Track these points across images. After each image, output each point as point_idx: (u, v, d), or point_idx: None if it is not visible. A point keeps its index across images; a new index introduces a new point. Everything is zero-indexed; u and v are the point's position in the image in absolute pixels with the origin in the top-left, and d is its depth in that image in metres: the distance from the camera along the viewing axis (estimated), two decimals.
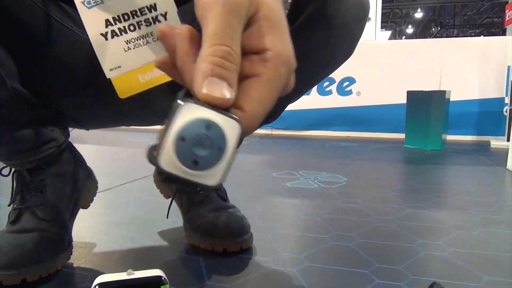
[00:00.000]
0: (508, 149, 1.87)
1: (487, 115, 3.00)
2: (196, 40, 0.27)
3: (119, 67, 0.53)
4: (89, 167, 0.88)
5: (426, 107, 2.57)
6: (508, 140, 2.06)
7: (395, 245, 0.85)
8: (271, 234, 0.91)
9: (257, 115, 0.26)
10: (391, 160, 2.18)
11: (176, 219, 0.93)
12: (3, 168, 0.74)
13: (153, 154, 0.24)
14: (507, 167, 1.84)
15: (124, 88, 0.54)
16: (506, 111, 2.85)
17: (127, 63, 0.53)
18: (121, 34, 0.52)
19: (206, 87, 0.24)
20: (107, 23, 0.52)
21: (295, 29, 0.55)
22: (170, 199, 0.89)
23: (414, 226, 0.98)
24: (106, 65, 0.53)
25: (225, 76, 0.24)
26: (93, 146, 2.36)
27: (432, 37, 15.95)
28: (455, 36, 15.59)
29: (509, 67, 2.84)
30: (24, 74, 0.58)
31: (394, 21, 18.32)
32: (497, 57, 2.97)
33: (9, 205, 0.73)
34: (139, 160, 1.99)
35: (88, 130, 0.80)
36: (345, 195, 1.29)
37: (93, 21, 0.51)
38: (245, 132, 0.25)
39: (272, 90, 0.26)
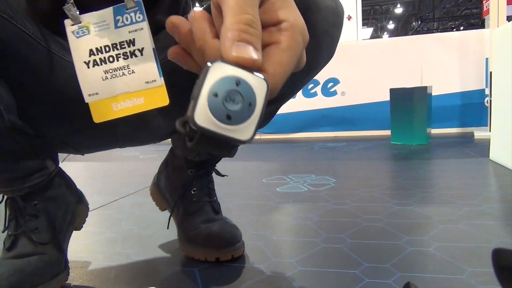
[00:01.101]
0: (490, 139, 1.92)
1: (469, 107, 3.07)
2: (210, 21, 0.29)
3: (97, 93, 0.57)
4: (79, 190, 0.89)
5: (409, 104, 2.63)
6: (490, 130, 2.12)
7: (383, 243, 0.88)
8: (263, 241, 0.93)
9: (279, 77, 0.28)
10: (378, 158, 2.22)
11: (170, 233, 0.95)
12: None
13: (182, 121, 0.25)
14: (490, 158, 1.89)
15: (99, 113, 0.58)
16: (487, 102, 2.91)
17: (103, 91, 0.57)
18: (101, 64, 0.56)
19: (235, 50, 0.26)
20: (91, 52, 0.56)
21: None
22: (164, 213, 0.92)
23: (401, 224, 1.01)
24: (86, 91, 0.57)
25: (251, 41, 0.26)
26: (84, 162, 2.36)
27: (413, 31, 16.17)
28: (435, 29, 15.83)
29: (487, 59, 2.91)
30: (21, 104, 0.60)
31: (375, 18, 18.54)
32: (475, 50, 3.05)
33: (3, 232, 0.75)
34: (129, 174, 2.01)
35: (83, 155, 0.83)
36: (334, 197, 1.32)
37: (79, 49, 0.56)
38: (270, 93, 0.27)
39: (291, 55, 0.28)
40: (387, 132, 2.91)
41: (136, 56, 0.55)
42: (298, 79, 0.68)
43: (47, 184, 0.78)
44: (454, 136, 3.03)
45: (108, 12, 0.55)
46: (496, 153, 1.83)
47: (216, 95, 0.24)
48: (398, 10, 16.83)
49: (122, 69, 0.56)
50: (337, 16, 0.62)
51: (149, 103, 0.56)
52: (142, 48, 0.55)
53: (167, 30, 0.31)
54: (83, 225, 0.88)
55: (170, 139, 0.90)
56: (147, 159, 2.47)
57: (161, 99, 0.56)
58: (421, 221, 1.03)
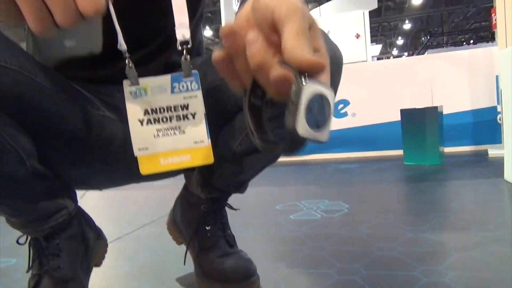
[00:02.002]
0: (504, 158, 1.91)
1: (481, 125, 3.05)
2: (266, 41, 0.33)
3: (147, 148, 0.63)
4: (98, 227, 0.92)
5: (420, 124, 2.63)
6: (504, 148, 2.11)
7: (398, 274, 0.89)
8: (278, 272, 0.94)
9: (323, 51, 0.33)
10: (392, 180, 2.22)
11: (187, 266, 0.96)
12: (19, 237, 0.78)
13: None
14: (505, 178, 1.87)
15: (147, 166, 0.63)
16: (499, 119, 2.90)
17: (154, 146, 0.63)
18: (155, 123, 0.63)
19: (313, 57, 0.30)
20: (146, 112, 0.63)
21: None
22: (180, 245, 0.93)
23: (415, 252, 1.01)
24: (136, 145, 0.63)
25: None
26: (98, 192, 2.41)
27: (423, 46, 16.17)
28: (445, 43, 15.82)
29: (497, 76, 2.91)
30: (40, 149, 0.64)
31: (383, 34, 18.63)
32: (484, 67, 3.05)
33: (27, 272, 0.78)
34: (144, 203, 2.04)
35: (101, 190, 0.86)
36: (348, 224, 1.33)
37: (134, 108, 0.62)
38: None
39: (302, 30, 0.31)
40: (400, 152, 2.90)
41: (188, 119, 0.62)
42: None
43: (68, 223, 0.81)
44: (468, 154, 3.01)
45: (166, 78, 0.62)
46: (510, 174, 1.82)
47: (310, 110, 0.30)
48: (407, 26, 16.91)
49: (174, 129, 0.62)
50: (336, 63, 0.62)
51: (194, 160, 0.63)
52: (195, 113, 0.62)
53: (222, 35, 0.34)
54: (102, 262, 0.90)
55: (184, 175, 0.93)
56: (162, 186, 2.51)
57: (206, 157, 0.62)
58: (436, 249, 1.03)
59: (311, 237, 1.22)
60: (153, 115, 0.62)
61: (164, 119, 0.62)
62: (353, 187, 2.09)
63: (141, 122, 0.62)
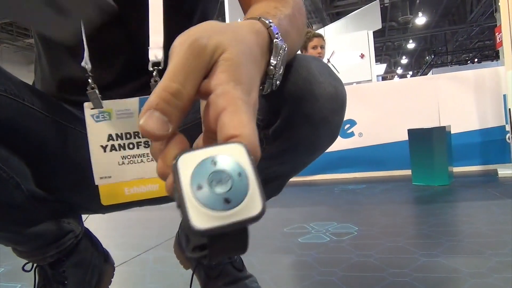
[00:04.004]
0: None
1: (490, 144, 3.02)
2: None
3: (109, 177, 0.58)
4: (105, 250, 0.91)
5: (428, 144, 2.61)
6: None
7: None
8: None
9: (250, 135, 0.25)
10: (400, 201, 2.19)
11: None
12: (25, 264, 0.77)
13: (190, 248, 0.22)
14: None
15: (109, 196, 0.58)
16: (508, 139, 2.87)
17: (117, 175, 0.58)
18: (119, 150, 0.57)
19: (145, 119, 0.26)
20: (109, 137, 0.57)
21: (277, 128, 0.60)
22: (187, 270, 0.91)
23: (429, 278, 0.98)
24: (98, 174, 0.58)
25: (167, 112, 0.26)
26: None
27: (427, 65, 16.24)
28: (449, 62, 15.88)
29: (504, 95, 2.89)
30: (36, 174, 0.63)
31: (388, 54, 18.77)
32: (491, 87, 3.04)
33: None
34: (150, 225, 2.02)
35: (104, 214, 0.85)
36: (358, 248, 1.30)
37: (96, 133, 0.57)
38: (252, 154, 0.25)
39: (242, 112, 0.26)
40: (407, 172, 2.87)
41: None
42: (299, 161, 0.68)
43: (75, 248, 0.79)
44: (477, 174, 2.97)
45: (133, 101, 0.57)
46: None
47: (200, 187, 0.21)
48: (411, 45, 17.03)
49: (141, 157, 0.58)
50: (336, 102, 0.58)
51: (163, 189, 0.58)
52: None
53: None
54: (109, 286, 0.88)
55: None
56: (167, 207, 2.49)
57: None
58: (450, 275, 1.00)
59: (321, 262, 1.19)
60: (118, 140, 0.57)
61: (131, 146, 0.57)
62: (361, 208, 2.06)
63: (104, 148, 0.57)
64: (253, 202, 0.22)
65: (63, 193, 0.70)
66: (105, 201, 0.58)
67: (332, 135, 0.63)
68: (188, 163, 0.22)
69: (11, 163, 0.58)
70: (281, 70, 0.41)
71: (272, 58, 0.39)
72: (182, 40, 0.29)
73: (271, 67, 0.39)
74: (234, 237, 0.22)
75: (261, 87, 0.40)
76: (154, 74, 0.57)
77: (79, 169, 0.65)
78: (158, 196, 0.61)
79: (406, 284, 0.96)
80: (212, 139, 0.28)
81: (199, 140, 0.31)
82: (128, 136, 0.57)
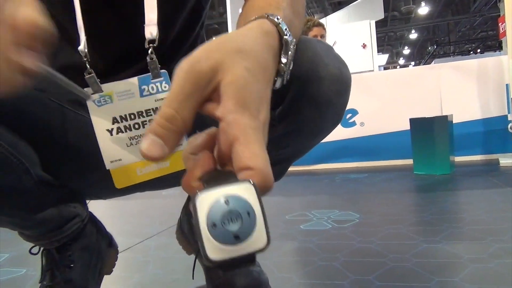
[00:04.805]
0: None
1: (492, 134, 3.02)
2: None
3: (120, 160, 0.58)
4: (109, 233, 0.92)
5: (430, 134, 2.61)
6: None
7: (413, 286, 0.87)
8: (290, 284, 0.93)
9: (263, 167, 0.27)
10: (402, 190, 2.19)
11: (196, 277, 0.95)
12: (32, 247, 0.78)
13: (182, 220, 0.26)
14: None
15: (122, 179, 0.58)
16: (510, 128, 2.87)
17: (128, 156, 0.58)
18: (126, 131, 0.57)
19: (144, 143, 0.28)
20: (114, 120, 0.57)
21: (282, 110, 0.60)
22: (190, 256, 0.92)
23: (430, 263, 0.99)
24: (108, 158, 0.58)
25: (163, 136, 0.28)
26: (106, 201, 2.41)
27: (429, 56, 16.15)
28: (452, 53, 15.79)
29: (507, 85, 2.88)
30: (42, 159, 0.63)
31: (390, 44, 18.66)
32: (494, 76, 3.03)
33: (40, 283, 0.77)
34: (152, 213, 2.03)
35: (105, 199, 0.86)
36: (360, 234, 1.31)
37: (101, 118, 0.57)
38: (265, 185, 0.27)
39: (255, 142, 0.28)
40: (409, 161, 2.88)
41: None
42: (303, 145, 0.68)
43: (81, 232, 0.80)
44: (479, 163, 2.98)
45: (133, 82, 0.57)
46: None
47: (214, 225, 0.25)
48: (413, 35, 16.93)
49: None
50: (342, 84, 0.58)
51: (174, 165, 0.57)
52: None
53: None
54: (113, 269, 0.89)
55: None
56: (169, 195, 2.50)
57: None
58: (451, 260, 1.01)
59: (323, 248, 1.20)
60: (123, 122, 0.57)
61: (136, 126, 0.57)
62: (363, 197, 2.07)
63: (110, 132, 0.57)
64: (259, 237, 0.25)
65: (72, 180, 0.71)
66: (119, 184, 0.58)
67: (336, 117, 0.64)
68: (204, 202, 0.25)
69: (20, 148, 0.58)
70: (291, 65, 0.41)
71: (282, 56, 0.39)
72: (182, 65, 0.30)
73: (282, 65, 0.39)
74: (243, 260, 0.26)
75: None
76: (149, 51, 0.57)
77: (87, 155, 0.65)
78: (170, 173, 0.61)
79: (407, 269, 0.97)
80: (225, 160, 0.30)
81: (200, 136, 0.32)
82: (132, 116, 0.57)
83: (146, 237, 1.49)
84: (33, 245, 0.78)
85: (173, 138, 0.29)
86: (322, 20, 6.08)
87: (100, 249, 0.86)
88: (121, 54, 0.67)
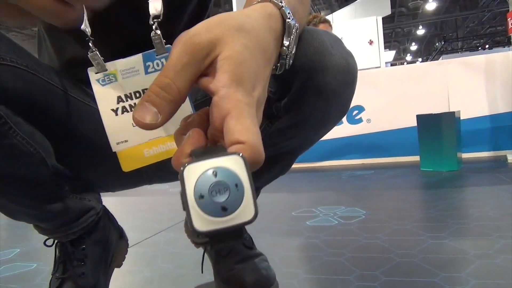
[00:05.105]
0: None
1: (500, 130, 3.01)
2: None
3: (126, 141, 0.56)
4: (120, 226, 0.93)
5: (437, 130, 2.60)
6: None
7: (419, 281, 0.88)
8: (297, 280, 0.94)
9: (255, 141, 0.27)
10: (408, 186, 2.19)
11: (205, 271, 0.97)
12: (47, 239, 0.80)
13: (187, 226, 0.27)
14: None
15: (129, 162, 0.56)
16: None
17: (134, 137, 0.55)
18: (131, 110, 0.55)
19: (137, 110, 0.29)
20: (119, 99, 0.55)
21: (288, 101, 0.61)
22: (199, 250, 0.94)
23: (436, 259, 1.00)
24: (113, 139, 0.56)
25: (157, 104, 0.29)
26: (115, 197, 2.43)
27: (437, 52, 16.02)
28: (460, 49, 15.65)
29: None
30: (56, 150, 0.64)
31: (397, 40, 18.53)
32: (502, 72, 3.01)
33: (52, 274, 0.79)
34: (161, 209, 2.05)
35: (114, 192, 0.87)
36: (366, 231, 1.32)
37: (105, 97, 0.55)
38: (255, 159, 0.27)
39: (247, 116, 0.28)
40: (416, 158, 2.88)
41: None
42: (309, 137, 0.68)
43: (95, 225, 0.82)
44: (487, 160, 2.96)
45: (137, 59, 0.55)
46: None
47: (202, 196, 0.24)
48: (420, 31, 16.79)
49: None
50: (348, 74, 0.58)
51: None
52: None
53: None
54: (123, 262, 0.91)
55: None
56: (178, 192, 2.52)
57: None
58: (457, 256, 1.01)
59: (329, 244, 1.21)
60: (128, 101, 0.54)
61: None
62: (369, 193, 2.07)
63: (115, 112, 0.54)
64: (247, 209, 0.25)
65: (83, 171, 0.72)
66: (126, 167, 0.56)
67: (342, 108, 0.63)
68: (192, 173, 0.25)
69: (37, 138, 0.59)
70: (294, 50, 0.42)
71: (285, 38, 0.40)
72: (181, 36, 0.31)
73: (284, 48, 0.40)
74: (230, 233, 0.26)
75: (274, 67, 0.41)
76: (154, 27, 0.55)
77: (97, 145, 0.66)
78: None
79: (413, 265, 0.98)
80: (217, 137, 0.30)
81: (192, 116, 0.32)
82: (137, 95, 0.55)
83: (155, 232, 1.52)
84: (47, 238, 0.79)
85: (168, 107, 0.29)
86: (329, 17, 6.06)
87: (112, 242, 0.87)
88: (128, 43, 0.68)
